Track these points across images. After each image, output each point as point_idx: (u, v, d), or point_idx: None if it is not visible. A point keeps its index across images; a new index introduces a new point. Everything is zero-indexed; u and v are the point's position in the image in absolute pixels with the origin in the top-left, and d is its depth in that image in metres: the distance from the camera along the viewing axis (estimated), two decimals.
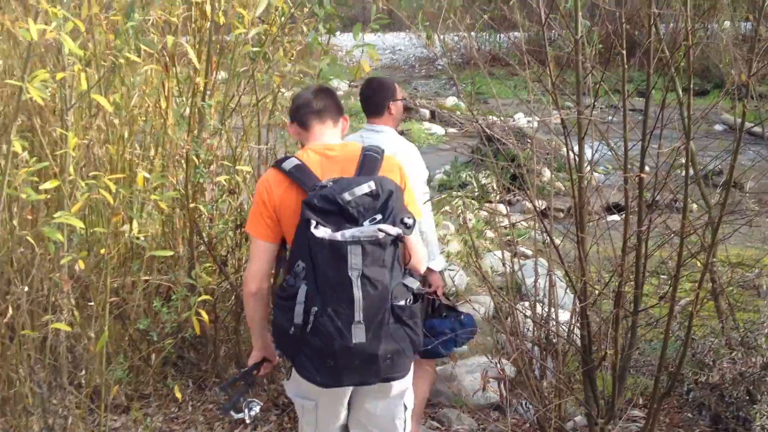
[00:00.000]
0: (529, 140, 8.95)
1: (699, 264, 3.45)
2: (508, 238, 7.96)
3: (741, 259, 6.01)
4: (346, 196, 2.47)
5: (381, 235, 2.44)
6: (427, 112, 14.28)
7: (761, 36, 2.83)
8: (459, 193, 9.12)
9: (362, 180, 2.54)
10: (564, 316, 4.37)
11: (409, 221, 2.55)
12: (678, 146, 3.09)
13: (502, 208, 8.95)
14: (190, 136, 3.28)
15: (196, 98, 3.43)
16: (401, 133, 12.65)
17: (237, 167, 3.24)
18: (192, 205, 3.30)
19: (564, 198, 8.07)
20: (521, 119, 11.72)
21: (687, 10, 2.76)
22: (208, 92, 3.80)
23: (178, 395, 3.17)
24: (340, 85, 18.01)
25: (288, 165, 2.64)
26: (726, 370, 3.54)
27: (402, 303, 2.55)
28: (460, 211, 3.91)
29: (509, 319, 4.02)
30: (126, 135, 3.58)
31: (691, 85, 2.95)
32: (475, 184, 9.40)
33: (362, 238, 2.43)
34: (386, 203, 2.52)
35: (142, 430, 3.90)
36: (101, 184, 2.66)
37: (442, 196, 8.32)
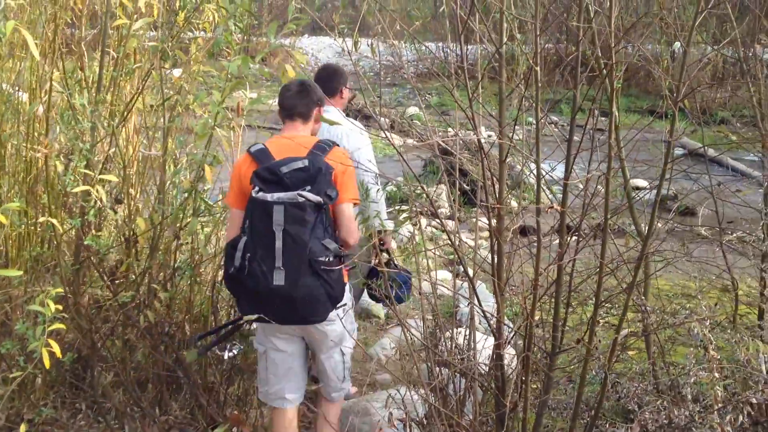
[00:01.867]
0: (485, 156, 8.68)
1: (632, 299, 3.19)
2: (452, 257, 7.71)
3: (683, 291, 5.79)
4: (284, 169, 3.11)
5: (301, 199, 3.05)
6: (386, 122, 13.96)
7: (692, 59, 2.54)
8: (405, 208, 8.82)
9: (299, 159, 3.16)
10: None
11: (332, 193, 3.14)
12: (598, 174, 2.78)
13: (450, 224, 8.69)
14: (45, 138, 2.91)
15: (50, 95, 3.05)
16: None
17: (101, 176, 2.87)
18: (42, 220, 2.93)
19: (520, 216, 7.82)
20: (483, 133, 11.44)
21: (611, 26, 2.46)
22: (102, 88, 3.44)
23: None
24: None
25: (254, 149, 3.30)
26: (649, 420, 3.24)
27: (320, 258, 3.08)
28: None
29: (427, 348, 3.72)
30: None
31: (615, 109, 2.64)
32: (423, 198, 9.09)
33: (285, 199, 3.06)
34: (315, 177, 3.11)
35: None
36: None
37: (390, 210, 8.01)
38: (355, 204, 3.35)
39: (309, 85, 3.51)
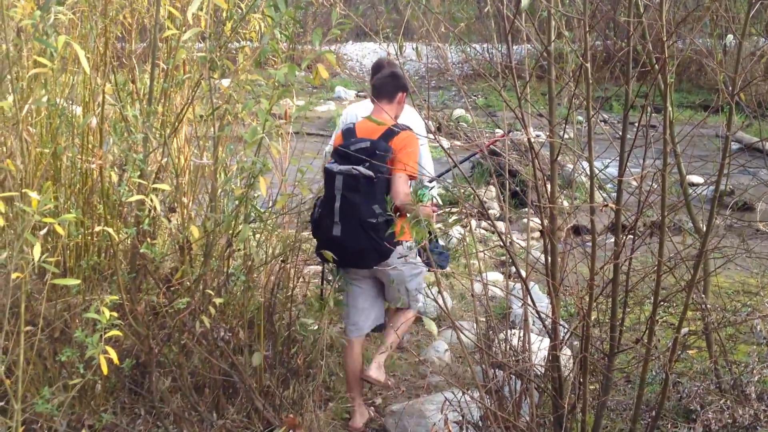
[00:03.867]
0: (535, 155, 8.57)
1: (692, 297, 3.11)
2: (503, 258, 7.63)
3: (743, 288, 5.63)
4: (352, 148, 3.90)
5: (355, 171, 3.82)
6: (433, 124, 13.88)
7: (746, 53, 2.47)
8: (455, 210, 8.76)
9: (366, 140, 3.94)
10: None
11: (384, 170, 3.84)
12: (653, 171, 2.72)
13: (501, 225, 8.60)
14: (99, 150, 2.95)
15: (103, 107, 3.09)
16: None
17: (154, 185, 2.92)
18: (98, 229, 2.98)
19: (573, 215, 7.70)
20: (531, 133, 11.28)
21: (663, 20, 2.40)
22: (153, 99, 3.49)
23: None
24: (347, 95, 17.72)
25: (344, 127, 4.20)
26: (712, 420, 3.16)
27: (369, 219, 3.81)
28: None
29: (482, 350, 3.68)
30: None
31: (668, 104, 2.58)
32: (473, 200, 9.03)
33: (344, 171, 3.86)
34: (373, 156, 3.81)
35: None
36: None
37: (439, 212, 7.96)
38: (411, 177, 3.97)
39: (397, 73, 4.25)
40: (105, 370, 2.66)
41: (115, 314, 2.61)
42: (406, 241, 3.97)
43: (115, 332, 2.65)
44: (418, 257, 4.13)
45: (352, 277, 4.22)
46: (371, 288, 4.29)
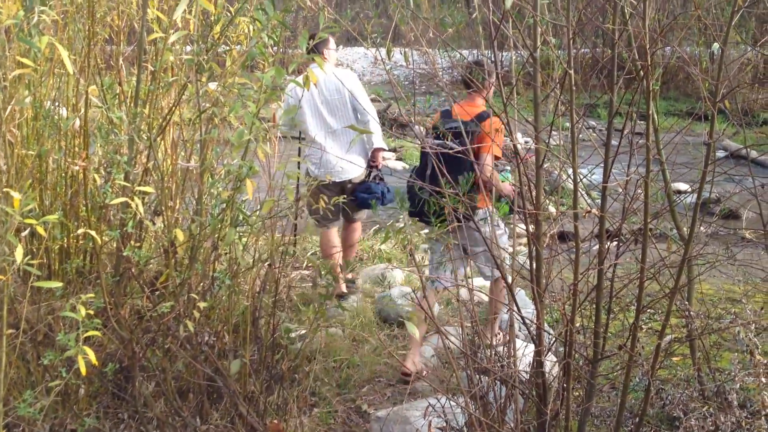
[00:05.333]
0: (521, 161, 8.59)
1: (676, 304, 3.12)
2: None
3: (727, 295, 5.66)
4: (447, 126, 4.48)
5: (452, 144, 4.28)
6: (421, 129, 13.90)
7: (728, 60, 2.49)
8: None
9: (459, 121, 4.28)
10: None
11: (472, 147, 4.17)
12: (637, 177, 2.73)
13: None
14: (84, 152, 2.95)
15: (88, 108, 3.08)
16: (394, 150, 13.83)
17: (138, 188, 2.91)
18: (82, 231, 2.96)
19: (558, 221, 7.72)
20: (519, 139, 11.33)
21: (645, 27, 2.41)
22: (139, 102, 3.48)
23: None
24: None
25: (443, 109, 4.98)
26: (694, 427, 3.17)
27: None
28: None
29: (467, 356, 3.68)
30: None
31: (653, 111, 2.59)
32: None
33: (437, 144, 4.37)
34: (465, 133, 4.11)
35: None
36: None
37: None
38: (497, 158, 4.71)
39: (481, 62, 4.89)
40: (83, 371, 2.64)
41: (92, 312, 2.59)
42: (481, 209, 4.58)
43: (94, 332, 2.63)
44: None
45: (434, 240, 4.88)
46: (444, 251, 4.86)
